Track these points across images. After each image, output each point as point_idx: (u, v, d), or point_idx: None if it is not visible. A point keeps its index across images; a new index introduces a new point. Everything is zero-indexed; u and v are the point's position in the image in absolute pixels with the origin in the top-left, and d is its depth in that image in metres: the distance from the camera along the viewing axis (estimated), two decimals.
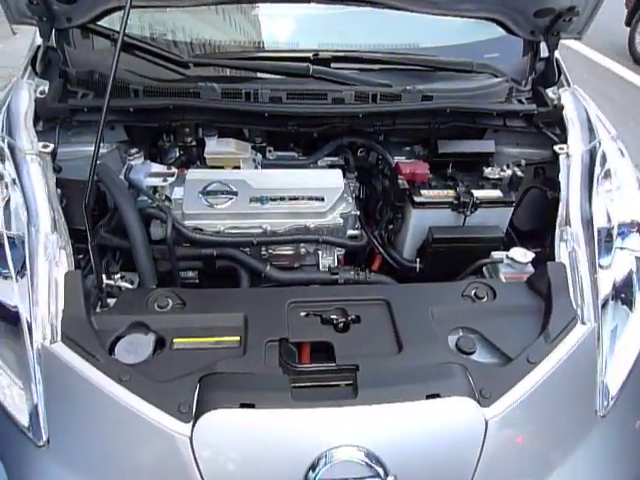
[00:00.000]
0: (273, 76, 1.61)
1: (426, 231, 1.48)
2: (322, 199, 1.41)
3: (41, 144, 1.36)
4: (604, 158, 1.40)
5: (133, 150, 1.47)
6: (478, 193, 1.45)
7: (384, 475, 0.93)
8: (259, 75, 1.61)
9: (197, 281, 1.45)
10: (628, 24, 5.66)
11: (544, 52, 1.72)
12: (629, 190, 1.38)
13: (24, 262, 1.12)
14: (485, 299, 1.22)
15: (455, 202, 1.44)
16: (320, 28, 1.73)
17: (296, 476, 0.92)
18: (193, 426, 0.93)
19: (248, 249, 1.40)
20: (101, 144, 1.54)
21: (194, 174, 1.45)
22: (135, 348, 1.10)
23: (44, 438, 0.98)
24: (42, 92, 1.49)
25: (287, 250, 1.44)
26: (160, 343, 1.10)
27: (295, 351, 1.11)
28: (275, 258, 1.44)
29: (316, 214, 1.41)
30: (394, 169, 1.51)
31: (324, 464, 0.93)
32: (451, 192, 1.47)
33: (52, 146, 1.38)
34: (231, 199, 1.39)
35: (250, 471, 0.95)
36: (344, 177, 1.52)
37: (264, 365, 1.04)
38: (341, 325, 1.15)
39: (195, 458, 0.92)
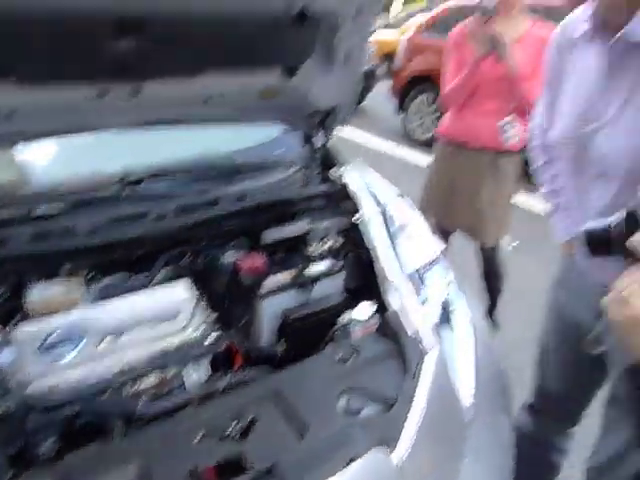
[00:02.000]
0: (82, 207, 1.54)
1: (279, 315, 1.58)
2: (177, 315, 1.39)
3: None
4: (394, 217, 1.75)
5: None
6: (313, 268, 1.63)
7: None
8: (66, 207, 1.52)
9: (56, 452, 1.24)
10: (400, 109, 6.69)
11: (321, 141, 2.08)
12: (421, 236, 1.76)
13: None
14: (352, 358, 1.38)
15: (298, 282, 1.59)
16: (123, 151, 1.74)
17: None
18: None
19: (108, 393, 1.27)
20: None
21: (24, 330, 1.27)
22: None
23: None
24: None
25: (153, 379, 1.36)
26: None
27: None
28: (142, 392, 1.34)
29: (175, 331, 1.38)
30: (235, 267, 1.59)
31: None
32: (290, 274, 1.62)
33: None
34: (77, 345, 1.26)
35: None
36: None
37: None
38: (238, 436, 1.15)
39: None
